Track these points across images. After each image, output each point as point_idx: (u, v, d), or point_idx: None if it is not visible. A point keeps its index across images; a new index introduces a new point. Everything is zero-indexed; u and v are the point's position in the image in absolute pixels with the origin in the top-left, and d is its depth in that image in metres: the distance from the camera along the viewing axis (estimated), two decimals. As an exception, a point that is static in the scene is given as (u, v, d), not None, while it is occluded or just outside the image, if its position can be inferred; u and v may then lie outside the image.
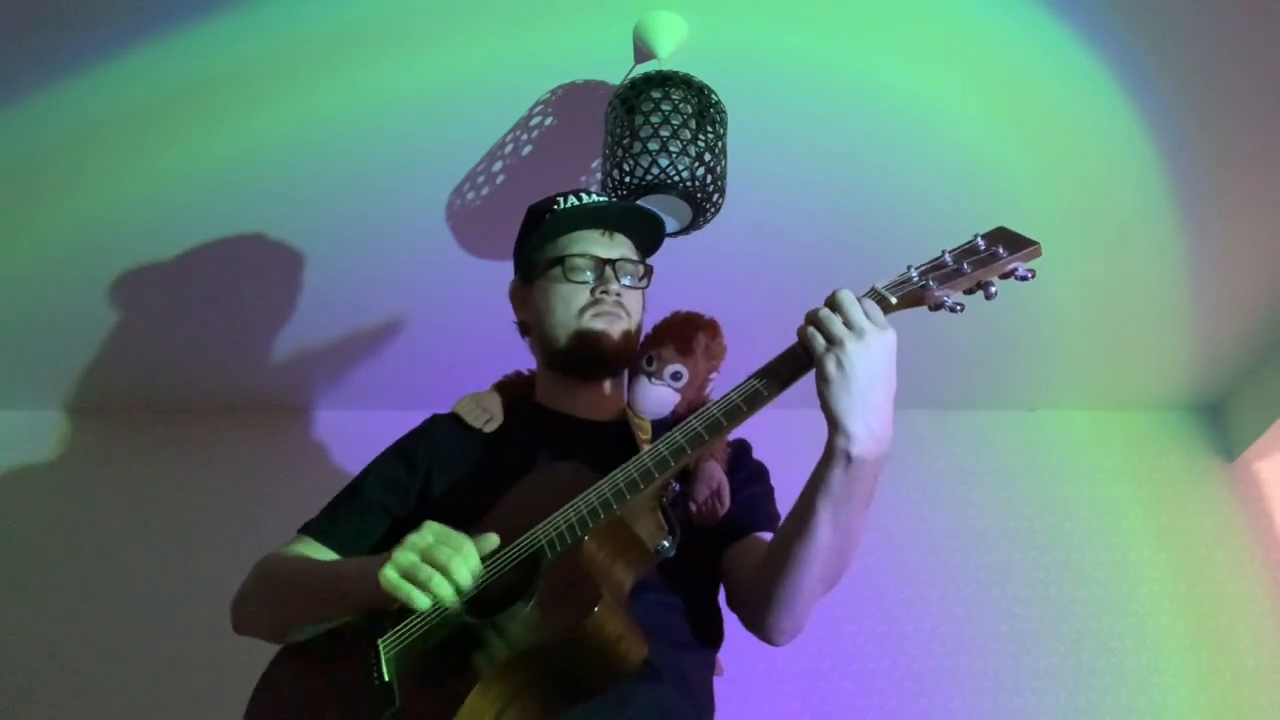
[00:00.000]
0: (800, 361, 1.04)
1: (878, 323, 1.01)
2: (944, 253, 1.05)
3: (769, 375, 1.05)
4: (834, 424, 1.01)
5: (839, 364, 0.99)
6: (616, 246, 1.38)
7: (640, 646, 1.00)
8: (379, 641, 1.08)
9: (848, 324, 1.00)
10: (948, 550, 2.85)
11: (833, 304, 1.03)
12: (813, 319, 1.03)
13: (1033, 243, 1.03)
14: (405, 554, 1.04)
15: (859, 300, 1.02)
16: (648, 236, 1.43)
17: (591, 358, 1.34)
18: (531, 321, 1.42)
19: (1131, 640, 2.74)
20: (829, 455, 1.03)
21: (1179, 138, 2.07)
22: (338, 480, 1.39)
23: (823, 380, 1.01)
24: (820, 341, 1.01)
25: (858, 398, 0.99)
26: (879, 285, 1.05)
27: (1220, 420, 3.07)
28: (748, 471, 1.37)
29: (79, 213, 2.13)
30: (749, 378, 1.06)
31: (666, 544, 1.10)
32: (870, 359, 1.00)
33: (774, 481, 1.40)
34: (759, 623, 1.20)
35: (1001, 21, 1.79)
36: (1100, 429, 3.06)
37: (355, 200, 2.16)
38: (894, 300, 1.03)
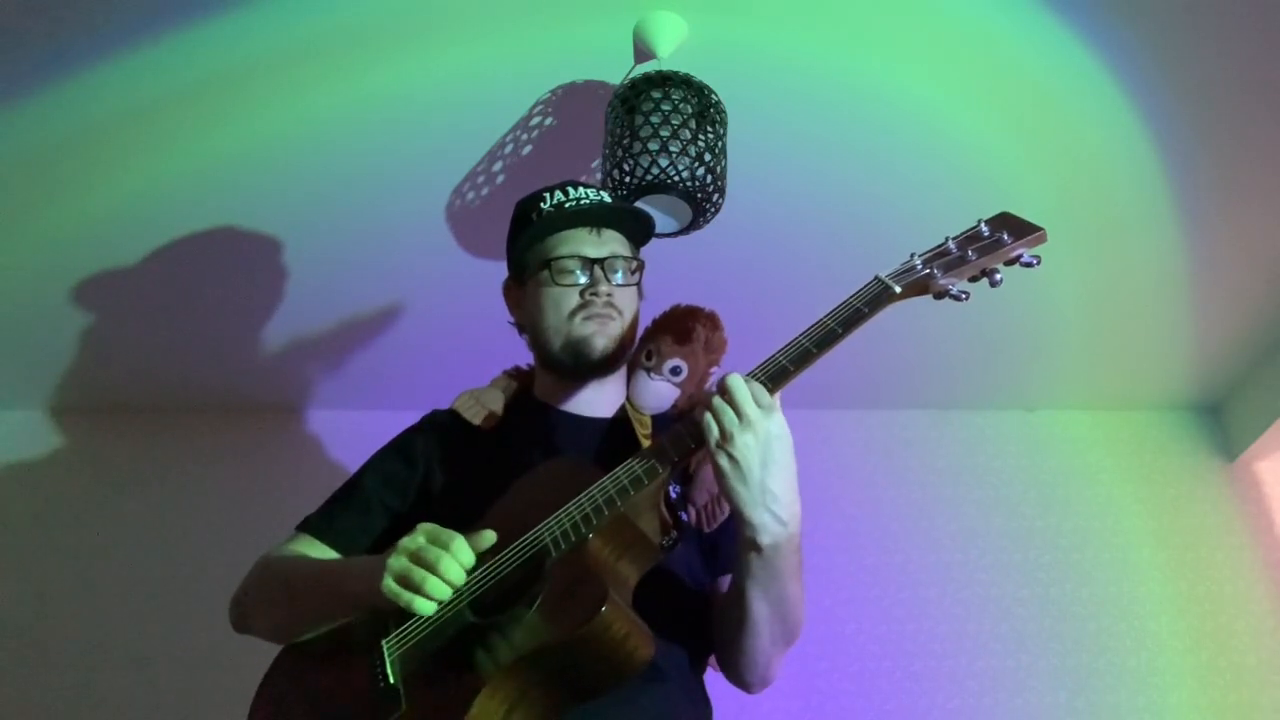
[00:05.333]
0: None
1: (765, 407, 1.01)
2: (948, 239, 1.03)
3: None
4: (737, 516, 1.03)
5: (731, 458, 1.00)
6: (605, 243, 1.35)
7: (647, 645, 1.00)
8: (383, 643, 1.07)
9: (737, 414, 1.00)
10: (948, 550, 2.85)
11: (723, 391, 1.02)
12: (708, 406, 1.02)
13: (1037, 228, 1.02)
14: (397, 559, 1.04)
15: (748, 383, 1.02)
16: (637, 229, 1.41)
17: (584, 363, 1.33)
18: (525, 322, 1.42)
19: (1131, 640, 2.74)
20: (742, 545, 1.06)
21: (1179, 137, 2.07)
22: (335, 480, 1.38)
23: (718, 474, 1.02)
24: (714, 434, 1.01)
25: (755, 489, 1.01)
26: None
27: (1220, 420, 3.07)
28: None
29: (75, 211, 2.12)
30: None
31: (670, 540, 1.10)
32: (761, 448, 1.00)
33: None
34: (729, 674, 1.24)
35: (1002, 21, 1.79)
36: (1100, 429, 3.06)
37: (355, 200, 2.15)
38: (772, 387, 1.02)
